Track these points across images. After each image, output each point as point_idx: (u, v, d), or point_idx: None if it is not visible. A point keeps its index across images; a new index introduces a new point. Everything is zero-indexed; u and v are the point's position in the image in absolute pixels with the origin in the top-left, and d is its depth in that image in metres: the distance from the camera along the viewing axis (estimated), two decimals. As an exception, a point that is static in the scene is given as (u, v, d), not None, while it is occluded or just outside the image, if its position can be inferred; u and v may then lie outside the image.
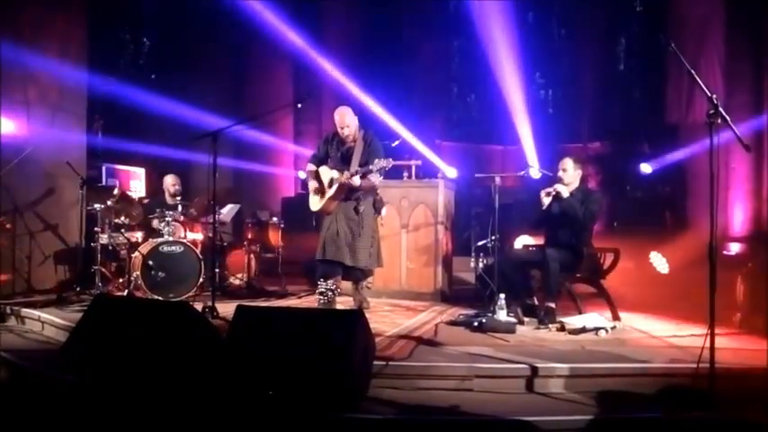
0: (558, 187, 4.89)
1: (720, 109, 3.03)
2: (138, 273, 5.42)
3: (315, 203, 5.17)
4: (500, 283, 4.88)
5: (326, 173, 5.13)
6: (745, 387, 3.25)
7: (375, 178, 4.94)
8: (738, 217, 7.88)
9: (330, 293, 5.06)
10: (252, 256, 6.66)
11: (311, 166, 5.29)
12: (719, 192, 3.01)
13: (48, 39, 6.27)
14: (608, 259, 5.00)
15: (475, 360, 3.58)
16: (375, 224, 5.22)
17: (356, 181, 4.88)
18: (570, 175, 4.95)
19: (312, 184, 5.19)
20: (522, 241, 6.42)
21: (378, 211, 5.22)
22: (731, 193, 7.92)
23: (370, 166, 4.80)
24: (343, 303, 5.34)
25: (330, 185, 5.04)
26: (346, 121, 5.05)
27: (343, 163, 5.07)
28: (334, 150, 5.18)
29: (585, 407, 3.16)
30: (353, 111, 5.16)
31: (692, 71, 3.24)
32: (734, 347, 3.92)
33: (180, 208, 6.02)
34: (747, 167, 7.80)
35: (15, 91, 6.06)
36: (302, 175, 9.51)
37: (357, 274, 5.20)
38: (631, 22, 12.74)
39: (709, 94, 3.06)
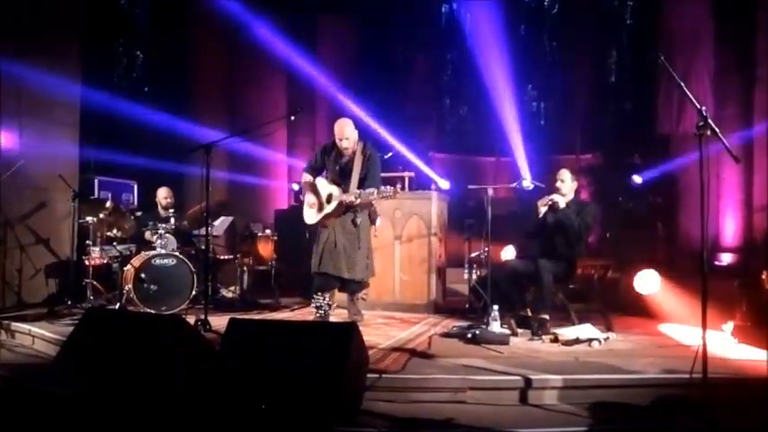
0: (555, 197, 4.93)
1: (710, 121, 3.06)
2: (131, 286, 5.39)
3: (311, 217, 5.10)
4: (493, 294, 4.88)
5: (325, 187, 5.06)
6: (737, 397, 3.26)
7: (370, 192, 4.88)
8: (729, 227, 7.94)
9: (327, 307, 5.04)
10: (245, 268, 6.64)
11: (307, 177, 5.20)
12: (710, 202, 3.03)
13: (41, 51, 6.26)
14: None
15: (469, 372, 3.57)
16: (370, 235, 5.21)
17: (356, 201, 4.85)
18: (567, 186, 4.99)
19: (309, 198, 5.11)
20: (509, 252, 6.44)
21: (373, 221, 5.22)
22: (722, 204, 7.98)
23: (374, 193, 4.73)
24: (338, 315, 5.33)
25: (329, 201, 4.99)
26: (346, 133, 4.99)
27: (342, 176, 5.03)
28: (331, 163, 5.13)
29: (579, 418, 3.15)
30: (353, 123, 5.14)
31: (682, 84, 3.28)
32: (726, 357, 3.94)
33: (172, 221, 6.01)
34: (738, 178, 7.87)
35: (8, 103, 6.05)
36: (296, 187, 9.50)
37: (353, 287, 5.18)
38: (622, 36, 12.88)
39: (699, 107, 3.10)
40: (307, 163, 5.41)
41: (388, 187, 4.75)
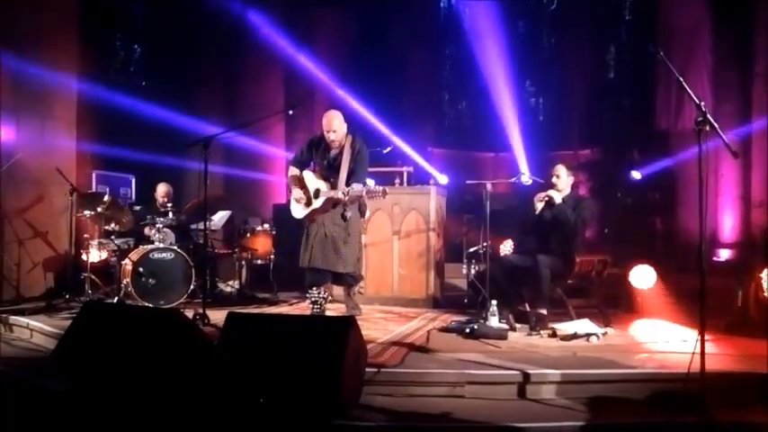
0: (551, 193, 4.93)
1: (709, 116, 3.06)
2: (129, 280, 5.39)
3: (298, 212, 5.08)
4: (492, 289, 4.89)
5: (312, 181, 5.04)
6: (735, 392, 3.27)
7: (359, 187, 4.83)
8: (728, 223, 7.96)
9: (322, 301, 5.04)
10: (243, 263, 6.63)
11: (294, 170, 5.18)
12: (709, 198, 3.04)
13: (38, 46, 6.24)
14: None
15: (467, 366, 3.58)
16: (361, 228, 5.20)
17: (344, 198, 4.81)
18: (563, 181, 4.99)
19: (296, 192, 5.07)
20: (508, 246, 6.45)
21: (362, 213, 5.20)
22: (720, 200, 8.01)
23: (363, 191, 4.72)
24: (336, 310, 5.33)
25: (316, 196, 4.96)
26: (333, 126, 4.95)
27: (330, 170, 5.01)
28: (319, 157, 5.10)
29: (577, 413, 3.16)
30: (345, 117, 5.07)
31: (681, 79, 3.27)
32: (724, 353, 3.95)
33: (170, 215, 5.99)
34: (736, 174, 7.90)
35: (5, 97, 6.02)
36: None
37: (348, 279, 5.18)
38: (620, 32, 12.87)
39: (698, 102, 3.10)
40: (293, 156, 5.37)
41: (379, 187, 4.71)
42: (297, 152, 5.33)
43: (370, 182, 5.09)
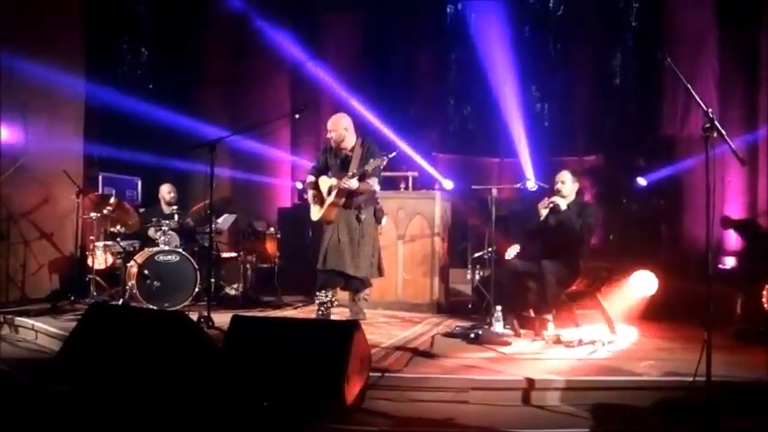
0: (556, 199, 4.92)
1: (716, 123, 3.05)
2: (134, 282, 5.40)
3: (315, 213, 5.15)
4: (496, 294, 4.88)
5: (325, 182, 5.13)
6: (741, 400, 3.25)
7: (373, 182, 4.97)
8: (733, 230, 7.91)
9: (329, 304, 5.05)
10: (248, 266, 6.64)
11: (311, 177, 5.28)
12: (715, 205, 3.02)
13: (46, 48, 6.27)
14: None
15: (471, 372, 3.58)
16: (376, 233, 5.22)
17: (353, 183, 4.86)
18: (568, 187, 4.98)
19: (312, 193, 5.17)
20: (514, 251, 6.44)
21: (378, 220, 5.23)
22: (726, 207, 7.97)
23: (366, 167, 4.81)
24: (340, 314, 5.33)
25: (329, 193, 5.03)
26: (337, 127, 5.09)
27: (343, 170, 5.07)
28: (332, 159, 5.20)
29: (582, 419, 3.15)
30: (353, 120, 5.18)
31: (689, 85, 3.27)
32: (730, 360, 3.92)
33: (176, 217, 6.01)
34: (742, 181, 7.87)
35: (13, 99, 6.06)
36: (300, 185, 9.50)
37: (357, 284, 5.18)
38: (626, 38, 12.86)
39: (705, 108, 3.09)
40: (311, 166, 5.47)
41: (376, 159, 4.81)
42: (315, 162, 5.44)
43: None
